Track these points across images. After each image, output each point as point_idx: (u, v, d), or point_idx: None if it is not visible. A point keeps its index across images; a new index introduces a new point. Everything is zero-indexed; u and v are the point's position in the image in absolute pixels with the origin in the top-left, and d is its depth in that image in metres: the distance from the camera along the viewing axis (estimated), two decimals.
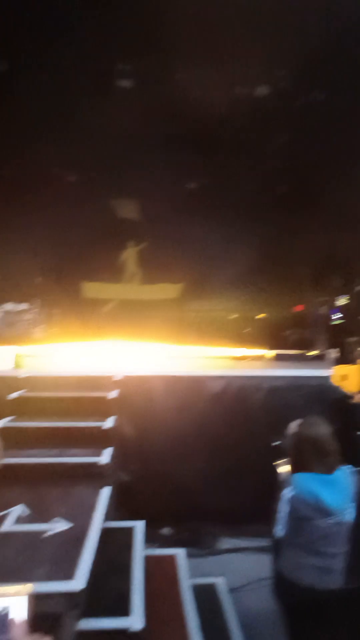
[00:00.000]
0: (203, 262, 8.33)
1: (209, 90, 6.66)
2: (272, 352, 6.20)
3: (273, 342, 6.83)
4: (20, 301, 7.31)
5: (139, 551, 2.50)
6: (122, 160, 7.58)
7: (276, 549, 2.50)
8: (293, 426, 2.19)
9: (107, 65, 6.80)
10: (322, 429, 2.06)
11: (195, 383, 4.09)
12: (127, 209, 9.12)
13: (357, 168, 6.52)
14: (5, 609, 0.55)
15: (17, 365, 4.05)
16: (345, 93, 6.39)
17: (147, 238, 9.13)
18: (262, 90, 6.86)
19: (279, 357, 5.92)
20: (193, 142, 7.26)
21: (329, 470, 1.98)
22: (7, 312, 7.14)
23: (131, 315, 8.07)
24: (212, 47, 6.07)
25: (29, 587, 0.57)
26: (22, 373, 3.80)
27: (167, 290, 9.02)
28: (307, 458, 2.01)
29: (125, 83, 6.99)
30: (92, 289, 8.91)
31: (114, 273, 9.05)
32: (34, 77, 6.47)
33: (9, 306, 7.19)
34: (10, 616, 0.55)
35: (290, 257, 8.23)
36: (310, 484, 1.96)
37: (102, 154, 7.43)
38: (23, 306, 7.25)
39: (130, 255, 9.29)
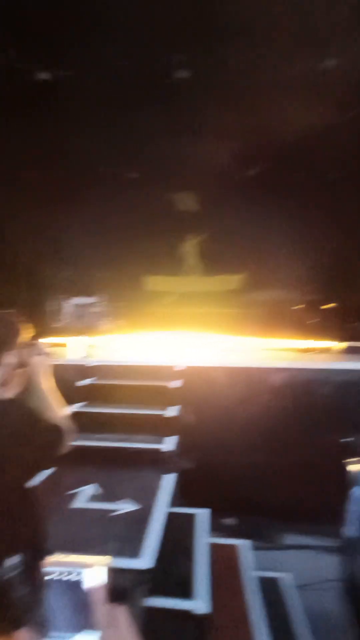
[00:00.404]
0: (265, 251, 8.09)
1: (268, 69, 6.38)
2: (342, 344, 5.85)
3: (342, 333, 6.44)
4: (88, 295, 7.74)
5: (203, 538, 2.54)
6: (181, 151, 7.60)
7: (346, 550, 2.38)
8: None
9: (163, 57, 6.82)
10: None
11: (258, 375, 4.01)
12: (186, 201, 9.15)
13: None
14: (83, 576, 0.59)
15: (88, 355, 4.30)
16: None
17: (206, 229, 9.09)
18: (329, 63, 6.38)
19: (349, 350, 5.57)
20: (253, 126, 7.02)
21: None
22: (77, 305, 7.59)
23: (192, 308, 8.13)
24: (271, 21, 5.77)
25: (107, 559, 0.60)
26: (92, 362, 4.03)
27: (228, 282, 8.92)
28: None
29: (183, 74, 6.96)
30: (153, 282, 9.13)
31: (174, 266, 9.17)
32: (90, 78, 6.72)
33: (78, 300, 7.65)
34: (89, 584, 0.58)
35: (358, 244, 7.66)
36: None
37: (161, 147, 7.51)
38: (91, 299, 7.66)
39: (190, 248, 9.33)
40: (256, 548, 3.28)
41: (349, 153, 7.48)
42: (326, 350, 5.83)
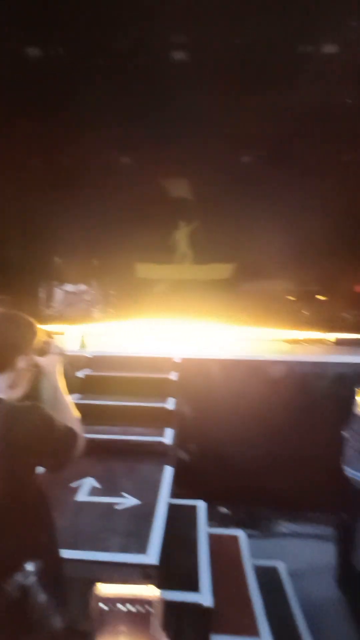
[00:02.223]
0: (257, 241, 8.05)
1: (270, 51, 6.22)
2: (332, 336, 5.93)
3: (332, 324, 6.52)
4: (79, 282, 7.60)
5: (204, 529, 2.57)
6: (174, 136, 7.42)
7: (344, 537, 2.44)
8: None
9: (161, 39, 6.59)
10: None
11: (253, 367, 4.03)
12: (179, 188, 9.01)
13: None
14: (140, 605, 0.56)
15: (82, 345, 4.24)
16: None
17: (199, 217, 8.99)
18: (329, 48, 6.26)
19: (340, 342, 5.65)
20: (250, 110, 6.88)
21: None
22: (67, 293, 7.46)
23: (184, 296, 8.08)
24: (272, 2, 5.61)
25: (158, 590, 0.58)
26: (87, 353, 3.96)
27: (219, 271, 8.89)
28: None
29: (181, 55, 6.76)
30: (144, 269, 9.02)
31: (166, 253, 9.07)
32: (87, 59, 6.45)
33: (69, 287, 7.51)
34: (144, 614, 0.56)
35: (351, 234, 7.70)
36: None
37: (154, 131, 7.33)
38: (82, 287, 7.53)
39: (181, 236, 9.23)
40: (250, 537, 3.35)
41: (345, 143, 7.44)
42: (317, 341, 5.90)
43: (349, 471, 2.06)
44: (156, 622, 0.57)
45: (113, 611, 0.56)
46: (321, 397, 3.73)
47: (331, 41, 6.35)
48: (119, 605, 0.57)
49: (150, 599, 0.58)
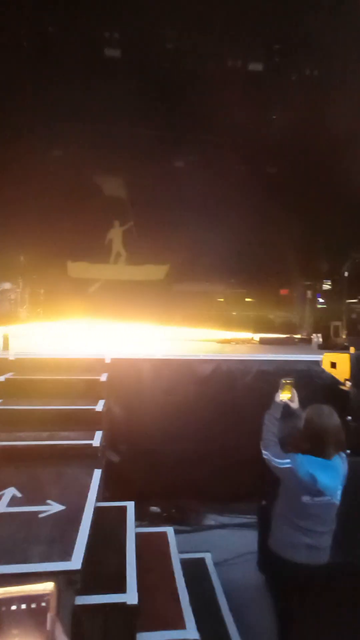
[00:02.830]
0: (189, 244, 8.24)
1: (200, 61, 6.43)
2: (258, 336, 6.30)
3: (259, 325, 6.92)
4: (3, 280, 7.12)
5: (131, 530, 2.56)
6: (108, 135, 7.33)
7: (263, 522, 2.61)
8: (306, 412, 2.24)
9: (95, 34, 6.46)
10: (332, 419, 2.12)
11: (183, 366, 4.13)
12: (114, 188, 8.89)
13: (349, 151, 6.45)
14: (34, 603, 0.56)
15: (4, 347, 3.98)
16: (342, 71, 6.28)
17: (133, 218, 8.95)
18: (255, 66, 6.65)
19: (264, 341, 6.02)
20: (182, 117, 7.04)
21: (329, 456, 2.07)
22: None
23: (117, 296, 7.99)
24: (205, 15, 5.81)
25: (52, 585, 0.58)
26: (11, 355, 3.74)
27: (153, 272, 8.93)
28: (312, 443, 2.09)
29: (113, 52, 6.68)
30: (77, 268, 8.74)
31: (99, 253, 8.89)
32: (16, 46, 6.10)
33: None
34: (39, 610, 0.56)
35: (277, 240, 8.24)
36: (309, 466, 2.04)
37: (88, 129, 7.17)
38: (6, 285, 7.06)
39: (115, 235, 9.10)
40: (180, 532, 3.42)
41: (278, 150, 7.90)
42: (245, 341, 6.22)
43: (266, 454, 2.21)
44: (52, 617, 0.57)
45: (6, 612, 0.55)
46: (246, 392, 3.94)
47: (258, 60, 6.75)
48: (12, 606, 0.56)
49: (44, 594, 0.58)
